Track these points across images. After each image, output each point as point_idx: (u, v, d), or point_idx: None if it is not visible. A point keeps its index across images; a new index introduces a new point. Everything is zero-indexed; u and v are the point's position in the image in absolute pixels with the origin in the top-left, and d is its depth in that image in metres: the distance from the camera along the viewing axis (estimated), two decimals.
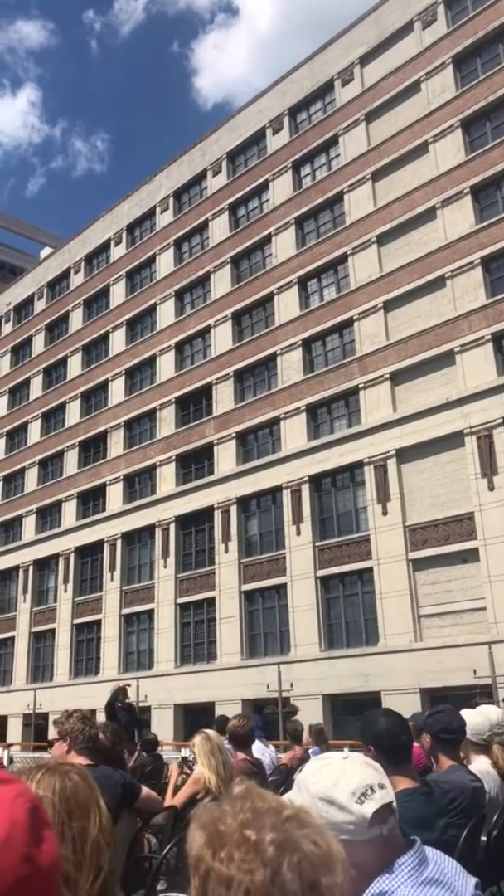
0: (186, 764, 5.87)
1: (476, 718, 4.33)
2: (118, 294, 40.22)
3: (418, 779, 2.99)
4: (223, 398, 32.87)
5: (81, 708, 4.48)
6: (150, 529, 34.52)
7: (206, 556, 31.88)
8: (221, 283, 34.45)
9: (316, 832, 0.90)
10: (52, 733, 5.60)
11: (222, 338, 33.66)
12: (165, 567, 33.04)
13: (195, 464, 33.60)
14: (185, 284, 36.34)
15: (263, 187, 33.93)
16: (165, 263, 37.76)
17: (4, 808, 0.73)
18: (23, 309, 47.82)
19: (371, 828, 1.48)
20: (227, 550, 30.66)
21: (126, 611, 34.40)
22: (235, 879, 0.84)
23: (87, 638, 36.32)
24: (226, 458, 31.95)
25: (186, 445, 33.89)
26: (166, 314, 36.90)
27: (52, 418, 42.80)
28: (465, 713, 4.26)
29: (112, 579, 35.39)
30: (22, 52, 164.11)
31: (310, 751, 8.35)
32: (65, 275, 44.76)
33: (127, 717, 10.69)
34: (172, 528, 33.28)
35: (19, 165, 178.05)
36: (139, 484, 36.17)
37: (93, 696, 33.52)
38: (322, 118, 31.98)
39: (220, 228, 35.35)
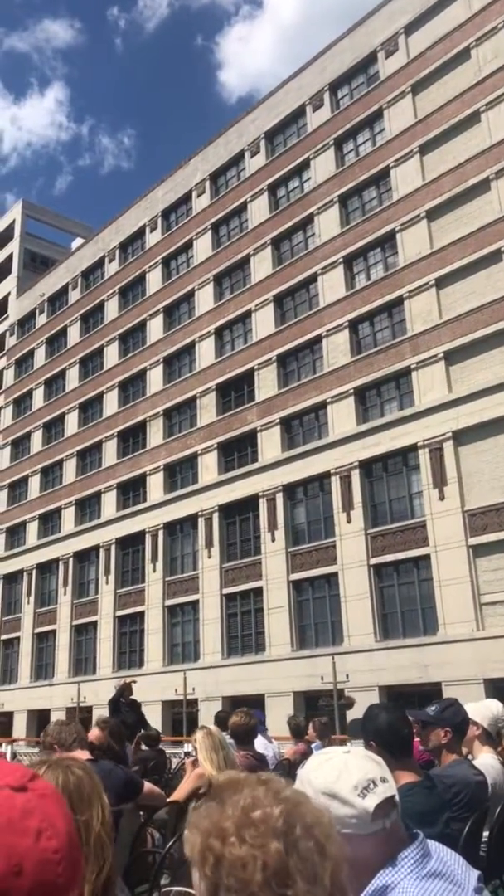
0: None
1: (484, 711, 4.37)
2: (154, 281, 39.55)
3: (420, 773, 2.99)
4: (266, 384, 32.04)
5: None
6: (192, 519, 33.85)
7: (251, 545, 31.13)
8: (262, 266, 33.59)
9: (313, 806, 0.92)
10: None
11: (264, 322, 32.81)
12: (210, 557, 32.36)
13: (238, 451, 32.84)
14: (223, 269, 35.54)
15: (304, 166, 32.96)
16: (203, 248, 36.98)
17: (56, 804, 0.72)
18: (57, 299, 47.37)
19: (374, 821, 1.47)
20: (273, 539, 29.88)
21: (170, 602, 33.80)
22: (250, 857, 0.84)
23: (129, 630, 35.80)
24: (270, 445, 31.14)
25: (228, 433, 33.13)
26: (205, 300, 36.13)
27: (90, 409, 42.31)
28: (470, 706, 4.27)
29: (154, 570, 34.80)
30: (49, 52, 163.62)
31: (312, 745, 8.23)
32: (99, 263, 44.19)
33: (132, 715, 10.53)
34: (216, 517, 32.57)
35: (47, 164, 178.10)
36: (180, 473, 35.50)
37: (137, 689, 33.04)
38: (365, 92, 30.90)
39: (259, 210, 34.47)
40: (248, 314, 33.74)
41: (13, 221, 54.23)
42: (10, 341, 50.61)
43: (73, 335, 44.79)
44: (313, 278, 31.16)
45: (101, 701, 34.81)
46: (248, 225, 34.89)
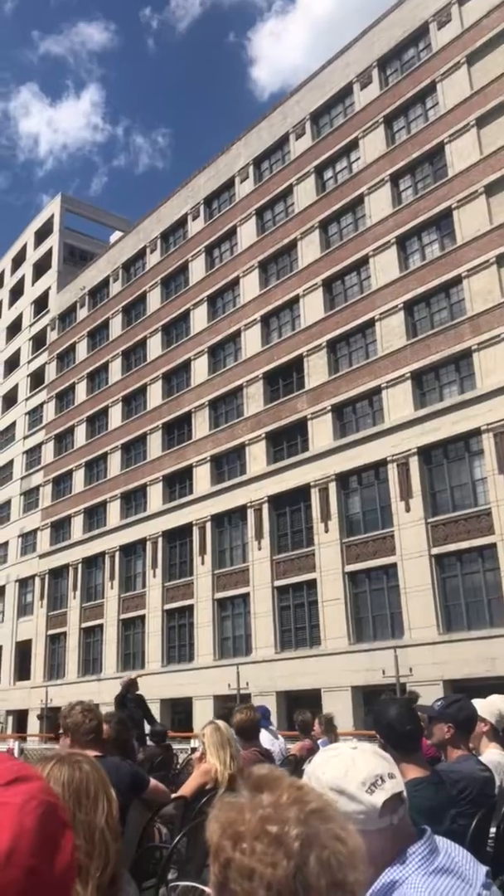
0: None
1: (491, 708, 4.35)
2: (197, 270, 38.90)
3: (428, 768, 2.98)
4: (316, 370, 31.17)
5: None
6: (241, 511, 33.15)
7: (303, 536, 30.33)
8: (310, 250, 32.70)
9: (340, 827, 0.88)
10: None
11: (312, 307, 31.94)
12: (260, 549, 31.62)
13: (287, 441, 32.04)
14: (269, 254, 34.73)
15: (352, 146, 31.99)
16: (247, 234, 36.21)
17: (12, 815, 0.67)
18: (98, 292, 47.01)
19: (381, 817, 1.48)
20: (326, 530, 29.03)
21: (219, 595, 33.15)
22: (257, 871, 0.81)
23: (178, 624, 35.25)
24: (321, 434, 30.28)
25: (277, 422, 32.35)
26: (250, 287, 35.37)
27: (133, 401, 41.84)
28: (479, 703, 4.26)
29: (203, 563, 34.19)
30: (84, 54, 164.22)
31: (319, 741, 8.18)
32: (140, 254, 43.69)
33: (139, 710, 10.58)
34: (265, 508, 31.83)
35: (83, 166, 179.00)
36: (227, 464, 34.81)
37: (189, 684, 32.56)
38: (416, 66, 29.81)
39: (305, 193, 33.58)
40: (295, 300, 32.90)
41: (52, 216, 54.08)
42: (52, 336, 50.46)
43: (115, 328, 44.38)
44: (364, 260, 30.20)
45: (151, 696, 34.29)
46: (295, 209, 34.02)
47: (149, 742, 9.88)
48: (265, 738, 6.78)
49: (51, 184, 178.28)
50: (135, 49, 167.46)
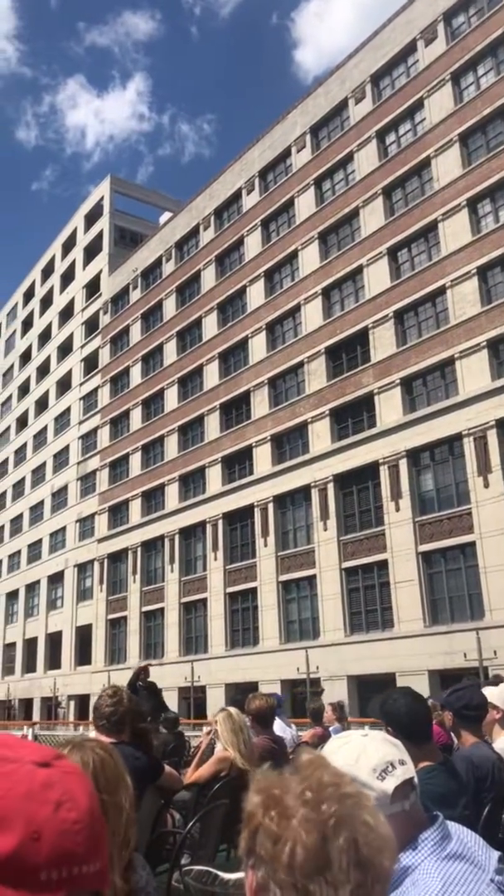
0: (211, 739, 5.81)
1: (502, 695, 4.33)
2: (253, 245, 37.85)
3: (439, 756, 2.99)
4: (382, 343, 29.91)
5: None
6: (304, 491, 32.18)
7: (372, 516, 29.22)
8: (373, 218, 31.36)
9: (370, 814, 0.89)
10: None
11: (377, 277, 30.63)
12: (326, 530, 30.63)
13: (352, 417, 30.89)
14: (329, 225, 33.48)
15: (417, 107, 30.47)
16: (306, 205, 35.00)
17: (82, 780, 0.74)
18: (150, 273, 46.35)
19: (393, 804, 1.47)
20: (397, 509, 27.87)
21: (284, 577, 32.29)
22: (284, 836, 0.84)
23: (241, 607, 34.52)
24: (389, 408, 29.07)
25: (341, 398, 31.21)
26: (309, 259, 34.19)
27: (190, 383, 41.12)
28: (490, 691, 4.27)
29: (266, 545, 33.34)
30: (129, 45, 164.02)
31: (331, 729, 8.28)
32: (193, 233, 42.82)
33: (151, 699, 10.47)
34: (330, 487, 30.78)
35: (130, 156, 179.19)
36: (289, 443, 33.84)
37: (254, 668, 31.86)
38: (485, 18, 28.13)
39: (367, 159, 32.19)
40: (358, 270, 31.62)
41: (101, 198, 53.60)
42: (105, 319, 50.07)
43: (169, 308, 43.67)
44: (433, 226, 28.76)
45: (215, 680, 33.85)
46: (355, 176, 32.67)
47: (161, 729, 9.99)
48: (277, 725, 6.85)
49: (98, 175, 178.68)
50: (179, 37, 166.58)
